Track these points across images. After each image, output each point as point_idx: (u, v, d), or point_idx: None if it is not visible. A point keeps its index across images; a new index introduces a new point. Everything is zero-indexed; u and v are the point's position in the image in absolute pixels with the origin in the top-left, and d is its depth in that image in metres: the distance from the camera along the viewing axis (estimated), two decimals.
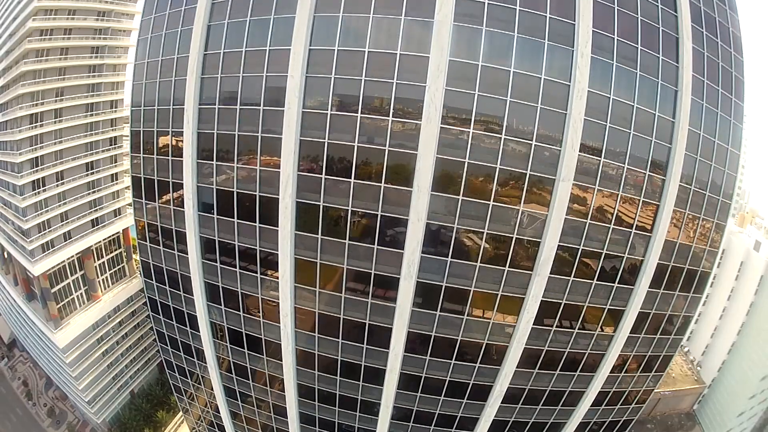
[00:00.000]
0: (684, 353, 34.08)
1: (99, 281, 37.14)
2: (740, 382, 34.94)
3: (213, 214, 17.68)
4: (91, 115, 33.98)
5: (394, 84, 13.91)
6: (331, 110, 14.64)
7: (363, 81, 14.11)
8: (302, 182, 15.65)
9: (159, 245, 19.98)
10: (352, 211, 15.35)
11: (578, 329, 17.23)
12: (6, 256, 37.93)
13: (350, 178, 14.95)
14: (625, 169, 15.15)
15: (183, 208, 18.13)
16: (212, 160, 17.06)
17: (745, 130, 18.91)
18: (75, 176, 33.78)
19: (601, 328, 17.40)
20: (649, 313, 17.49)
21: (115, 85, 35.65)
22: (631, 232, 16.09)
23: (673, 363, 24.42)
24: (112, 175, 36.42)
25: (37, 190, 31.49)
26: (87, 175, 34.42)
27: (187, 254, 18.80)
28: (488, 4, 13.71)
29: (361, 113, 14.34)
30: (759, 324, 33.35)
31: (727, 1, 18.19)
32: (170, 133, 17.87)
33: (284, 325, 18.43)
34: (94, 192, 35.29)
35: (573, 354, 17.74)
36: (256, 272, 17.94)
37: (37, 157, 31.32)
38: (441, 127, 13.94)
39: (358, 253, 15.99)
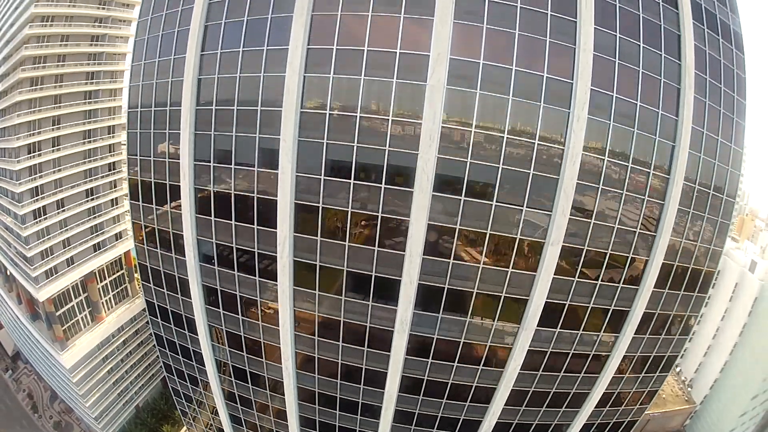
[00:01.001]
0: (676, 373, 34.96)
1: (102, 302, 38.10)
2: (731, 400, 35.92)
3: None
4: (89, 141, 34.47)
5: (387, 151, 14.25)
6: (323, 175, 15.02)
7: (355, 147, 14.47)
8: (299, 242, 16.22)
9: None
10: (347, 271, 16.03)
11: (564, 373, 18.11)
12: (9, 274, 38.77)
13: (345, 240, 15.52)
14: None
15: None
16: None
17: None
18: (75, 203, 34.41)
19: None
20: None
21: (111, 111, 35.97)
22: (618, 286, 16.64)
23: (665, 384, 25.15)
24: (112, 200, 37.05)
25: (38, 219, 32.20)
26: (87, 201, 35.07)
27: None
28: (483, 64, 13.79)
29: (354, 179, 14.72)
30: (752, 345, 34.11)
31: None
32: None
33: (285, 367, 19.33)
34: (94, 217, 35.98)
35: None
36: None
37: (36, 187, 31.89)
38: (433, 195, 14.31)
39: (354, 307, 16.76)
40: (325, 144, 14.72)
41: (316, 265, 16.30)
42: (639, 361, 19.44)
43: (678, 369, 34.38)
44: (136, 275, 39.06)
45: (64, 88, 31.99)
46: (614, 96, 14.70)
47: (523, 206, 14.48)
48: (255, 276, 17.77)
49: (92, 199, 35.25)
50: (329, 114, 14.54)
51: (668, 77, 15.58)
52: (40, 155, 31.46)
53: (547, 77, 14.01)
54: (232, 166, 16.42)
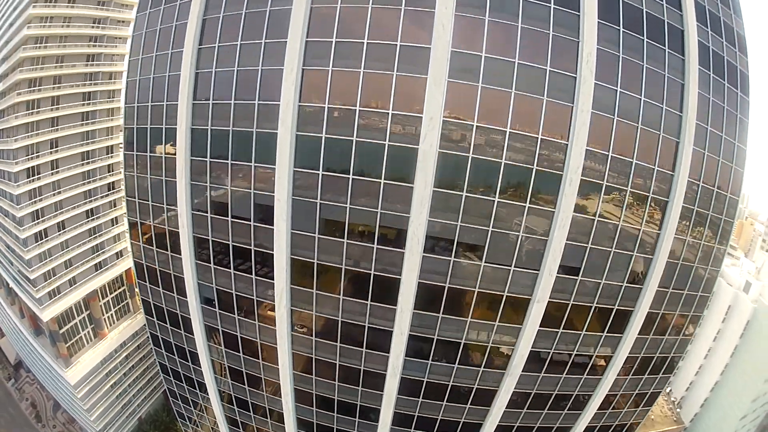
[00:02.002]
0: (666, 393, 35.92)
1: (104, 319, 39.09)
2: (721, 419, 36.98)
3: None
4: (88, 162, 34.91)
5: (379, 213, 14.79)
6: (318, 233, 15.62)
7: (348, 208, 15.01)
8: (295, 294, 17.00)
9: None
10: (342, 321, 16.84)
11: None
12: (10, 287, 39.71)
13: (339, 294, 16.30)
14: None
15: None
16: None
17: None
18: (76, 224, 35.12)
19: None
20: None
21: (109, 131, 36.36)
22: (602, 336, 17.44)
23: (655, 404, 26.04)
24: (112, 219, 37.75)
25: (40, 241, 33.00)
26: (87, 222, 35.75)
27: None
28: (476, 126, 14.11)
29: (347, 239, 15.31)
30: (742, 366, 35.04)
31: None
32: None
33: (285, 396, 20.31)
34: (95, 237, 36.73)
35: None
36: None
37: (37, 210, 32.54)
38: (423, 256, 14.92)
39: (349, 352, 17.66)
40: (315, 263, 15.62)
41: (312, 314, 17.17)
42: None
43: (669, 389, 35.37)
44: (137, 290, 39.99)
45: (62, 110, 32.38)
46: (608, 160, 14.98)
47: (511, 266, 15.16)
48: (255, 321, 18.72)
49: (92, 220, 35.96)
50: (322, 174, 15.02)
51: (668, 131, 15.83)
52: (39, 179, 32.04)
53: (540, 139, 14.24)
54: (229, 218, 17.11)
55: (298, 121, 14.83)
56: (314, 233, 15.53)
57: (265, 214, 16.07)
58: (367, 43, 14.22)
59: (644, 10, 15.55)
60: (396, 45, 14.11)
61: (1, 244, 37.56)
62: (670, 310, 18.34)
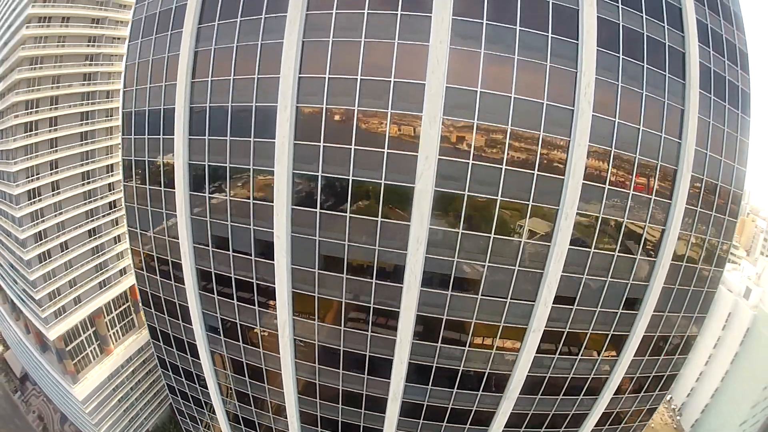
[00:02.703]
0: (667, 400, 36.47)
1: (110, 335, 39.82)
2: (721, 425, 37.58)
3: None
4: (88, 182, 35.35)
5: (377, 250, 15.15)
6: (317, 269, 16.04)
7: (346, 245, 15.38)
8: (298, 326, 17.52)
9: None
10: (344, 350, 17.33)
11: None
12: (15, 303, 40.44)
13: (340, 325, 16.75)
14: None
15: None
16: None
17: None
18: (79, 244, 35.62)
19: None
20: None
21: (109, 149, 36.69)
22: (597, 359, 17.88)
23: (656, 412, 26.49)
24: (114, 237, 38.23)
25: (44, 262, 33.55)
26: (90, 241, 36.25)
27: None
28: (471, 164, 14.31)
29: (347, 274, 15.72)
30: (742, 373, 35.48)
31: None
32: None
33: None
34: (98, 256, 37.26)
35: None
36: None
37: (40, 231, 33.04)
38: (421, 290, 15.34)
39: (351, 378, 18.22)
40: (315, 296, 16.03)
41: (314, 344, 17.69)
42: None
43: (669, 397, 35.93)
44: (142, 307, 40.69)
45: (59, 131, 32.74)
46: (605, 193, 15.19)
47: (507, 298, 15.55)
48: (260, 349, 19.26)
49: (95, 239, 36.45)
50: (319, 212, 15.34)
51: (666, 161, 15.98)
52: (41, 200, 32.48)
53: (537, 175, 14.38)
54: (230, 252, 17.51)
55: (294, 159, 15.16)
56: (314, 269, 15.96)
57: (266, 249, 16.52)
58: (361, 79, 14.35)
59: (645, 33, 15.56)
60: (390, 81, 14.26)
61: (4, 262, 38.20)
62: (666, 333, 18.84)
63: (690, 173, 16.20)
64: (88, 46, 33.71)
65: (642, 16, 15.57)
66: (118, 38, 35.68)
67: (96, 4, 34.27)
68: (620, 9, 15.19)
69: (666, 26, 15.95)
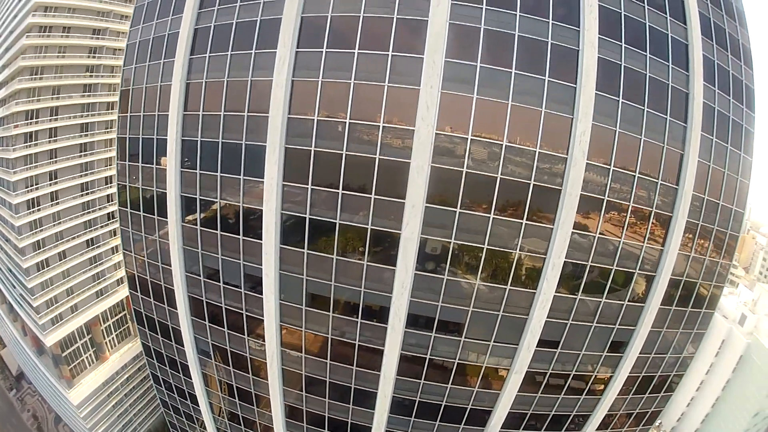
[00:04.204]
0: (656, 426, 36.73)
1: (106, 342, 40.88)
2: None
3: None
4: (87, 193, 36.10)
5: (362, 292, 15.58)
6: (305, 306, 16.52)
7: (333, 286, 15.81)
8: (286, 356, 18.09)
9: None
10: (330, 381, 17.91)
11: None
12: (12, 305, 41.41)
13: (326, 358, 17.31)
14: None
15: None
16: None
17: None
18: (77, 253, 36.50)
19: None
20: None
21: (107, 161, 37.19)
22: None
23: None
24: (112, 248, 39.08)
25: (42, 270, 34.47)
26: (88, 251, 37.11)
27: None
28: (459, 212, 14.51)
29: (333, 313, 16.22)
30: (733, 399, 35.65)
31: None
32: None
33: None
34: (96, 266, 38.17)
35: None
36: None
37: (38, 240, 33.89)
38: (405, 331, 15.79)
39: (337, 407, 18.77)
40: (303, 331, 16.53)
41: (301, 374, 18.27)
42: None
43: (659, 422, 36.25)
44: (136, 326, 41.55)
45: (58, 142, 33.37)
46: (594, 243, 15.27)
47: (490, 341, 15.90)
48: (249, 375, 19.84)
49: (93, 249, 37.32)
50: (307, 252, 15.77)
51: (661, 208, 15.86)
52: (39, 210, 33.32)
53: (525, 224, 14.51)
54: (221, 284, 18.03)
55: (283, 200, 15.54)
56: (301, 305, 16.44)
57: (255, 283, 16.98)
58: (349, 123, 14.62)
59: (647, 75, 15.27)
60: (379, 126, 14.56)
61: (2, 266, 39.08)
62: (652, 372, 19.11)
63: (685, 219, 16.27)
64: (88, 57, 34.30)
65: (646, 56, 15.36)
66: (120, 49, 36.07)
67: (97, 15, 34.78)
68: (623, 49, 14.97)
69: (670, 65, 15.70)
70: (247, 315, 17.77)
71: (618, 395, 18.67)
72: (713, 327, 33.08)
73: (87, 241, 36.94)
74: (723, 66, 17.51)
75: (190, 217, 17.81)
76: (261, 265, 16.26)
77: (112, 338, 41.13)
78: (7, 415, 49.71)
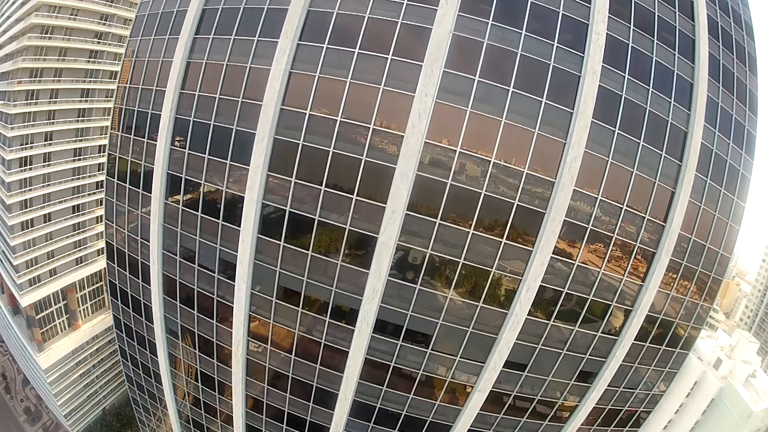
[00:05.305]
0: None
1: (80, 311, 41.03)
2: None
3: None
4: (79, 159, 36.28)
5: (333, 291, 15.67)
6: (275, 298, 16.58)
7: (305, 281, 15.90)
8: (251, 346, 18.26)
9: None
10: (292, 377, 17.97)
11: None
12: None
13: (291, 353, 17.39)
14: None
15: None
16: None
17: None
18: (62, 218, 36.68)
19: None
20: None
21: (102, 129, 37.47)
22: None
23: None
24: (97, 217, 39.10)
25: (25, 230, 34.60)
26: (73, 216, 37.30)
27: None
28: (438, 224, 14.46)
29: (302, 308, 16.32)
30: None
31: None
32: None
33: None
34: (79, 233, 38.32)
35: None
36: None
37: (26, 200, 34.04)
38: (372, 336, 15.89)
39: (298, 404, 18.80)
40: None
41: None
42: None
43: None
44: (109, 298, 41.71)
45: (59, 104, 33.56)
46: (573, 269, 15.21)
47: (456, 356, 15.97)
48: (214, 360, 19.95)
49: (78, 215, 37.51)
50: (283, 245, 15.90)
51: (646, 243, 15.97)
52: (31, 169, 33.51)
53: (504, 243, 14.51)
54: (196, 265, 18.17)
55: (266, 190, 15.67)
56: (272, 297, 16.55)
57: (229, 269, 17.10)
58: (341, 121, 14.74)
59: (647, 108, 15.31)
60: (369, 128, 14.63)
61: None
62: (619, 405, 19.18)
63: (669, 257, 16.34)
64: (99, 23, 34.45)
65: (648, 90, 15.41)
66: (130, 19, 36.15)
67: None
68: (625, 80, 15.08)
69: (672, 102, 15.77)
70: (217, 300, 17.90)
71: (582, 425, 18.79)
72: (687, 367, 32.89)
73: (73, 207, 37.14)
74: (727, 109, 17.63)
75: (173, 196, 17.97)
76: (237, 252, 16.40)
77: (87, 307, 41.31)
78: None
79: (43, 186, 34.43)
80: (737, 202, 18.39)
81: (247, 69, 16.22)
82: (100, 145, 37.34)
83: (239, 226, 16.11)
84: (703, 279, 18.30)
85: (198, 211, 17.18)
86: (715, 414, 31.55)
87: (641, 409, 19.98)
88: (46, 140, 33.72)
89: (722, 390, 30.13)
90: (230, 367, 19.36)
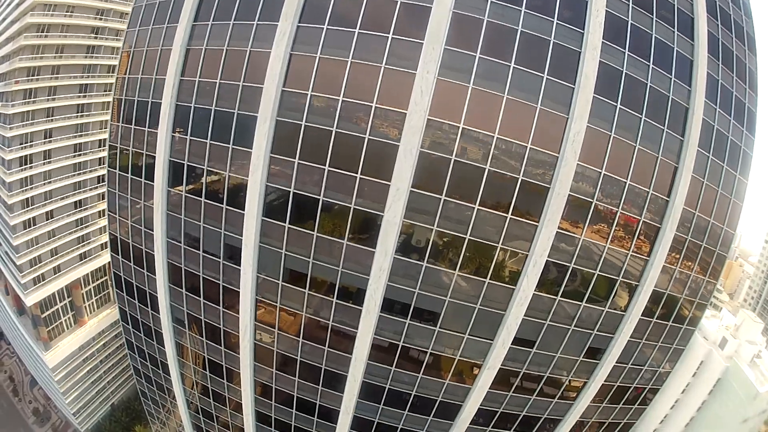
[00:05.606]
0: None
1: (85, 307, 41.21)
2: None
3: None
4: (80, 155, 36.26)
5: (340, 271, 15.68)
6: (281, 281, 16.62)
7: (311, 262, 15.91)
8: (259, 331, 18.32)
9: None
10: (300, 360, 18.07)
11: None
12: None
13: (299, 336, 17.45)
14: None
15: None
16: None
17: None
18: (64, 214, 36.70)
19: None
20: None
21: (102, 124, 37.40)
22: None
23: None
24: (99, 212, 39.19)
25: (28, 229, 34.67)
26: (75, 212, 37.31)
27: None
28: (444, 200, 14.58)
29: (309, 290, 16.33)
30: (707, 422, 35.80)
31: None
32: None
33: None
34: (82, 228, 38.37)
35: None
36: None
37: (27, 198, 34.08)
38: (379, 316, 15.95)
39: (307, 387, 18.95)
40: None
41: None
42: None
43: None
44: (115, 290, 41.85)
45: (58, 101, 33.46)
46: (579, 243, 15.24)
47: (465, 334, 16.03)
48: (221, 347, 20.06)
49: (80, 211, 37.55)
50: (287, 227, 15.88)
51: (651, 218, 15.89)
52: (31, 168, 33.51)
53: (510, 218, 14.59)
54: (200, 252, 18.18)
55: (269, 172, 15.65)
56: (278, 280, 16.58)
57: (234, 254, 17.12)
58: (343, 101, 14.67)
59: (648, 84, 15.30)
60: (371, 106, 14.57)
61: None
62: (627, 383, 19.25)
63: (673, 232, 16.37)
64: (95, 18, 34.21)
65: (649, 66, 15.46)
66: (126, 13, 36.09)
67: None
68: (626, 56, 15.12)
69: (673, 78, 15.80)
70: (223, 286, 17.94)
71: (591, 402, 18.87)
72: (693, 347, 33.13)
73: (75, 202, 37.15)
74: (727, 87, 17.63)
75: (176, 183, 17.96)
76: (241, 235, 16.42)
77: (92, 303, 41.46)
78: None
79: (44, 183, 34.45)
80: (739, 179, 18.40)
81: (248, 53, 16.18)
82: (100, 140, 37.34)
83: (243, 210, 16.09)
84: (707, 255, 18.29)
85: (201, 197, 17.16)
86: (721, 395, 31.70)
87: (649, 386, 20.06)
88: (45, 137, 33.72)
89: (728, 370, 30.27)
90: (238, 354, 19.44)
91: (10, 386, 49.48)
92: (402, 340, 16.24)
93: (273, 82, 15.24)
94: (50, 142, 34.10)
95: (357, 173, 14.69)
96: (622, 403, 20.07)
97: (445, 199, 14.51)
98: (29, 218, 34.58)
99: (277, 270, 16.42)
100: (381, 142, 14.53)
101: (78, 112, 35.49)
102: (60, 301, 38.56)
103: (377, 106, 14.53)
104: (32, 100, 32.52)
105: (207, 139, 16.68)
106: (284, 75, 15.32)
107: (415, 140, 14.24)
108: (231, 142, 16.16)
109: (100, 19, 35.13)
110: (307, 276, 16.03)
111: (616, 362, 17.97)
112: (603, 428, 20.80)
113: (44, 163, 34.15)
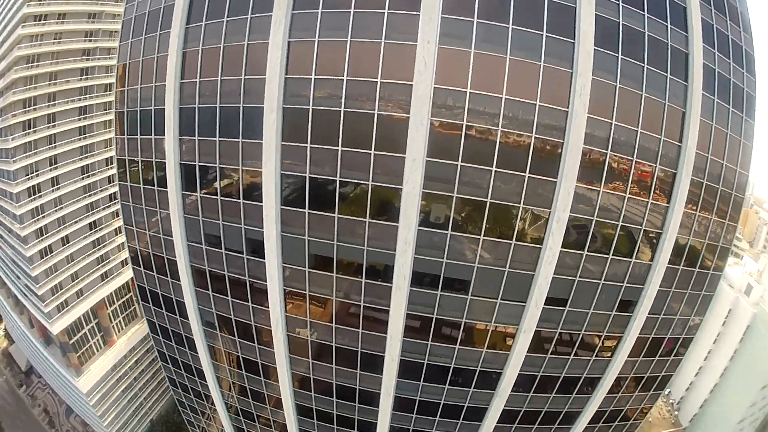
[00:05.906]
0: (665, 395, 36.98)
1: (113, 326, 41.71)
2: (719, 421, 38.08)
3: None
4: (88, 176, 36.44)
5: (365, 250, 15.68)
6: (308, 268, 16.62)
7: (335, 245, 15.92)
8: (290, 322, 18.26)
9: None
10: (336, 346, 18.14)
11: None
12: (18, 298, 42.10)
13: (331, 322, 17.52)
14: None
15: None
16: None
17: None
18: (80, 237, 37.07)
19: None
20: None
21: (107, 143, 37.51)
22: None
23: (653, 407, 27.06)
24: (115, 229, 39.45)
25: (45, 257, 35.06)
26: (91, 234, 37.66)
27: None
28: (460, 166, 14.53)
29: (336, 273, 16.36)
30: (741, 370, 35.85)
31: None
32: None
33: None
34: (99, 248, 38.73)
35: None
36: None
37: (41, 228, 34.44)
38: (410, 290, 15.95)
39: (345, 373, 19.01)
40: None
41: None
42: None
43: (668, 391, 36.49)
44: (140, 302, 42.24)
45: (58, 126, 33.51)
46: (599, 196, 15.23)
47: (497, 299, 16.02)
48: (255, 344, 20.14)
49: (96, 231, 37.88)
50: (308, 212, 15.90)
51: (665, 165, 15.70)
52: (41, 197, 33.79)
53: (528, 177, 14.50)
54: (223, 250, 18.24)
55: (282, 160, 15.62)
56: (304, 267, 16.65)
57: (257, 247, 17.18)
58: (347, 80, 14.62)
59: (646, 33, 15.31)
60: (376, 82, 14.52)
61: (6, 258, 39.76)
62: (661, 335, 19.15)
63: (689, 177, 16.27)
64: (84, 40, 34.34)
65: (644, 15, 15.38)
66: (116, 31, 36.06)
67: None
68: (621, 7, 15.00)
69: (669, 26, 15.74)
70: (250, 281, 18.02)
71: (628, 357, 18.76)
72: (720, 295, 33.17)
73: (89, 224, 37.45)
74: (722, 30, 17.43)
75: (189, 186, 18.01)
76: (262, 228, 16.47)
77: (119, 321, 41.94)
78: (17, 412, 50.56)
79: (55, 210, 34.77)
80: (746, 120, 18.17)
81: (245, 47, 16.12)
82: (106, 159, 37.53)
83: (261, 202, 16.14)
84: (725, 197, 18.09)
85: (217, 196, 17.22)
86: (753, 342, 31.63)
87: (683, 335, 19.88)
88: (51, 164, 33.95)
89: (756, 316, 30.25)
90: (272, 348, 19.54)
91: (45, 419, 50.14)
92: (435, 313, 16.24)
93: (275, 71, 15.18)
94: (56, 168, 34.31)
95: (371, 150, 14.65)
96: (657, 355, 19.99)
97: (461, 166, 14.48)
98: (45, 247, 34.89)
99: (303, 257, 16.46)
100: (391, 116, 14.49)
101: (80, 135, 35.66)
102: (86, 325, 39.00)
103: (383, 81, 14.46)
104: (33, 130, 32.77)
105: (216, 137, 16.67)
106: (285, 63, 15.27)
107: (425, 110, 14.19)
108: (240, 137, 16.16)
109: (90, 41, 35.13)
110: (333, 259, 16.07)
111: (649, 313, 17.87)
112: (642, 383, 20.77)
113: (53, 190, 34.40)
